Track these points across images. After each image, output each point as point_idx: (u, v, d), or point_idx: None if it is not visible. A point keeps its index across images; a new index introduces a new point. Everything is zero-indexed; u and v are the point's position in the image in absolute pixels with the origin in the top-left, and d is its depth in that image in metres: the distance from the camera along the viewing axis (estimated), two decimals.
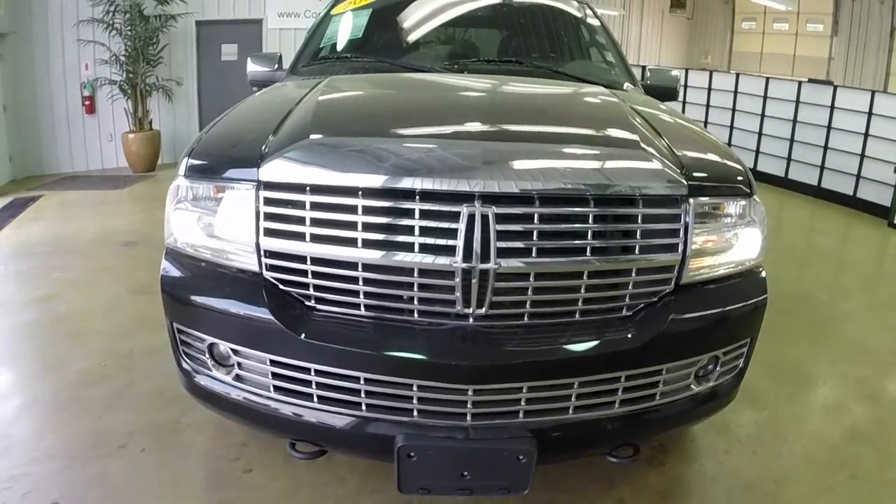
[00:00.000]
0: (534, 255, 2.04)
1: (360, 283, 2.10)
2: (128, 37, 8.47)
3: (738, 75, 9.64)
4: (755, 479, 2.77)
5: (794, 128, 8.67)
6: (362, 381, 1.97)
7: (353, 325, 2.08)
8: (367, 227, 2.06)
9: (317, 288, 2.04)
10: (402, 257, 2.04)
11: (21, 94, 8.53)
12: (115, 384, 3.26)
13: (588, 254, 2.09)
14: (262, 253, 2.04)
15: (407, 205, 2.05)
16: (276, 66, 3.90)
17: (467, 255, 1.99)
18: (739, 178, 2.24)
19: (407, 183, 2.03)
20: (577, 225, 2.09)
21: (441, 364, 2.01)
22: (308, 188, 1.99)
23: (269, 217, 2.02)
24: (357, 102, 2.76)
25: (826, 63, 12.85)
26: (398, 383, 1.94)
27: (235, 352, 2.05)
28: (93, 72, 8.82)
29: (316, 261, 2.01)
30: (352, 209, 2.07)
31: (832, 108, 8.22)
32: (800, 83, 8.73)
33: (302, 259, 2.02)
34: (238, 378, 2.11)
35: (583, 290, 2.12)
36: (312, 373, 1.98)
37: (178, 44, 9.28)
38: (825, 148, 8.34)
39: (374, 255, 2.06)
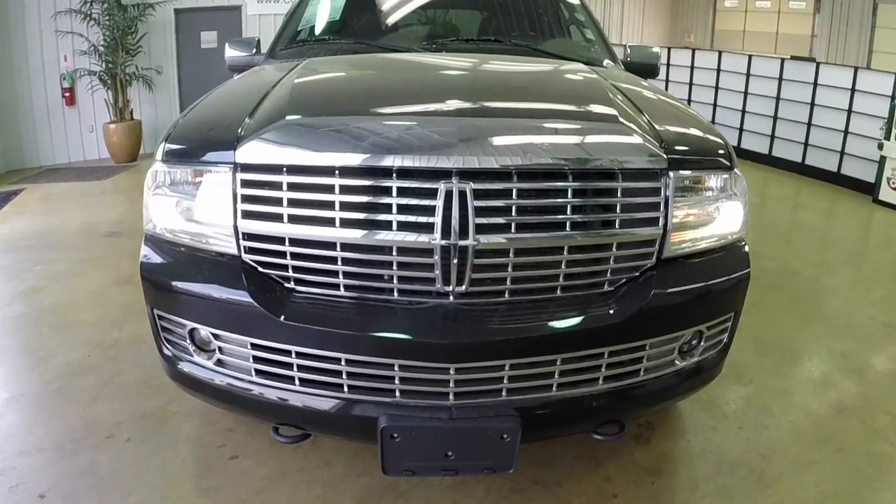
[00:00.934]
0: (513, 230, 2.03)
1: (339, 263, 2.08)
2: (106, 27, 8.36)
3: (720, 53, 9.61)
4: (742, 455, 2.77)
5: (778, 105, 8.66)
6: (343, 363, 1.94)
7: (333, 306, 2.06)
8: (345, 206, 2.04)
9: (296, 269, 2.01)
10: (380, 236, 2.03)
11: (0, 87, 8.40)
12: (101, 374, 3.25)
13: (568, 229, 2.07)
14: (241, 236, 2.02)
15: (384, 183, 2.03)
16: (255, 50, 3.88)
17: (446, 232, 1.97)
18: (720, 151, 2.23)
19: (384, 161, 2.01)
20: (556, 200, 2.07)
21: (422, 343, 2.00)
22: (285, 169, 1.96)
23: (247, 199, 2.00)
24: (333, 83, 2.73)
25: (809, 41, 12.83)
26: (379, 363, 1.92)
27: (216, 336, 2.03)
28: (72, 63, 8.70)
29: (294, 242, 1.98)
30: (329, 189, 2.05)
31: (815, 84, 8.20)
32: (782, 60, 8.70)
33: (280, 241, 1.99)
34: (220, 363, 2.09)
35: (563, 266, 2.10)
36: (293, 355, 1.96)
37: (158, 32, 9.17)
38: (809, 125, 8.32)
39: (353, 235, 2.04)
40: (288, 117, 2.08)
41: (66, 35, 8.53)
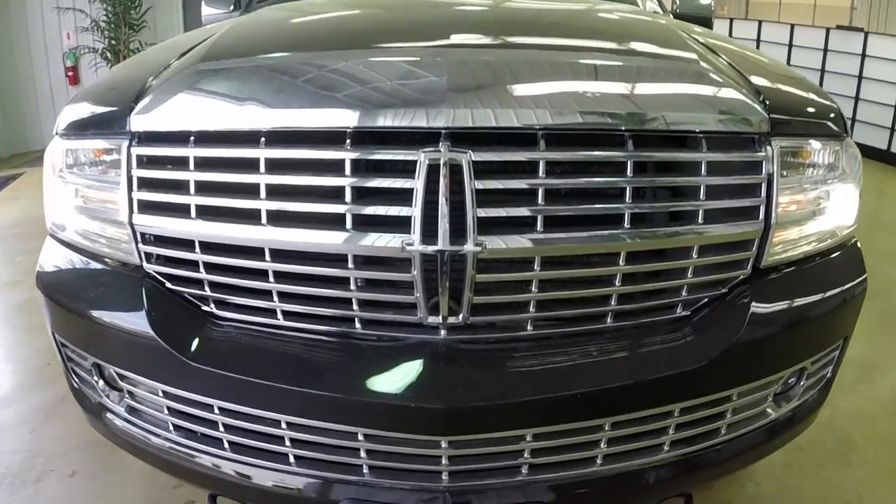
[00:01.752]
0: (539, 228, 1.20)
1: (271, 278, 1.28)
2: (108, 1, 7.65)
3: (760, 23, 8.67)
4: (825, 502, 2.16)
5: (823, 77, 7.72)
6: (284, 426, 1.31)
7: (264, 343, 1.37)
8: (274, 192, 1.27)
9: (213, 287, 1.38)
10: (327, 239, 1.22)
11: (1, 69, 7.79)
12: (58, 389, 2.78)
13: (625, 224, 1.25)
14: (138, 237, 1.43)
15: (333, 154, 1.23)
16: (232, 7, 3.13)
17: (429, 232, 1.16)
18: (831, 114, 1.53)
19: (332, 118, 1.23)
20: (608, 180, 1.26)
21: (397, 406, 1.21)
22: (192, 137, 1.34)
23: (144, 184, 1.39)
24: (281, 24, 1.91)
25: (848, 13, 11.79)
26: (336, 431, 1.29)
27: (122, 377, 1.45)
28: (75, 40, 8.01)
29: (207, 246, 1.36)
30: (252, 165, 1.29)
31: (863, 56, 7.26)
32: (828, 30, 7.77)
33: (189, 244, 1.37)
34: (132, 411, 1.51)
35: (617, 282, 1.28)
36: (216, 411, 1.36)
37: (164, 6, 8.45)
38: (856, 99, 7.41)
39: (287, 237, 1.26)
40: (200, 64, 1.49)
41: (67, 11, 7.85)
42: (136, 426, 1.48)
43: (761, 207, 1.40)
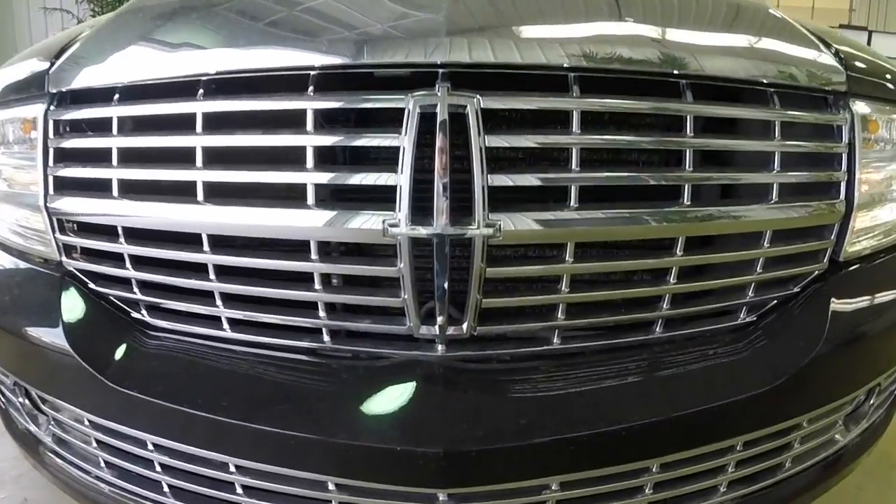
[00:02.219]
0: (572, 203, 0.84)
1: (212, 274, 0.91)
2: (94, 1, 7.31)
3: None
4: None
5: None
6: (233, 470, 0.95)
7: (206, 362, 1.01)
8: (214, 158, 0.89)
9: (144, 287, 1.03)
10: (282, 219, 0.86)
11: None
12: None
13: (685, 200, 0.89)
14: (55, 224, 1.08)
15: (292, 103, 0.85)
16: None
17: (421, 210, 0.81)
18: None
19: (287, 57, 0.88)
20: (659, 139, 0.91)
21: (379, 449, 0.84)
22: (117, 93, 1.01)
23: (61, 156, 1.07)
24: None
25: (847, 14, 11.48)
26: (299, 479, 0.93)
27: (44, 400, 1.14)
28: None
29: (133, 233, 1.01)
30: (186, 125, 0.93)
31: None
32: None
33: (113, 232, 1.02)
34: (58, 441, 1.18)
35: (672, 278, 0.92)
36: (150, 447, 1.00)
37: None
38: None
39: (229, 218, 0.89)
40: (130, 4, 1.21)
41: (53, 11, 7.53)
42: (65, 460, 1.18)
43: (842, 184, 1.05)
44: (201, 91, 0.93)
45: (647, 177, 0.87)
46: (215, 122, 0.92)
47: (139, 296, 1.04)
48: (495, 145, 0.81)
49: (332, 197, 0.89)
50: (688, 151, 0.91)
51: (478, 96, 0.81)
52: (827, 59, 1.08)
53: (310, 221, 0.84)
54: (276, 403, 0.92)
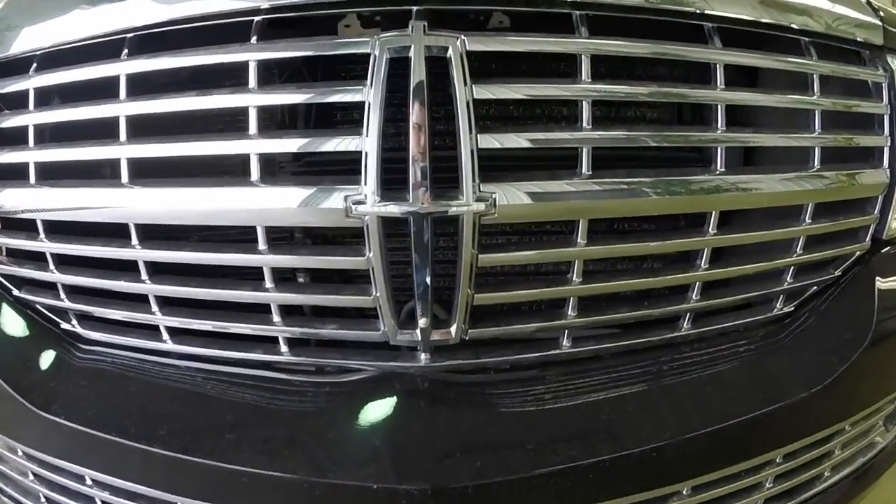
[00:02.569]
0: (584, 169, 0.64)
1: (143, 273, 0.71)
2: None
3: None
4: None
5: None
6: None
7: (145, 381, 0.82)
8: (140, 128, 0.67)
9: (72, 293, 0.83)
10: (222, 200, 0.65)
11: None
12: None
13: (718, 166, 0.69)
14: None
15: (231, 55, 0.65)
16: None
17: (392, 182, 0.61)
18: None
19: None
20: (686, 89, 0.68)
21: (351, 488, 0.63)
22: (35, 62, 0.82)
23: None
24: None
25: None
26: None
27: None
28: None
29: (55, 227, 0.81)
30: (109, 90, 0.71)
31: None
32: None
33: (31, 226, 0.82)
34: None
35: (702, 262, 0.72)
36: (89, 483, 0.81)
37: None
38: None
39: (161, 203, 0.67)
40: None
41: None
42: (5, 495, 1.00)
43: (885, 150, 0.87)
44: (126, 51, 0.73)
45: (676, 136, 0.68)
46: (142, 87, 0.73)
47: (67, 303, 0.85)
48: (485, 97, 0.61)
49: (280, 169, 0.69)
50: (718, 107, 0.72)
51: (462, 37, 0.61)
52: (861, 8, 0.90)
53: (254, 202, 0.65)
54: (223, 431, 0.72)
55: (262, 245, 0.66)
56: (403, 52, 0.60)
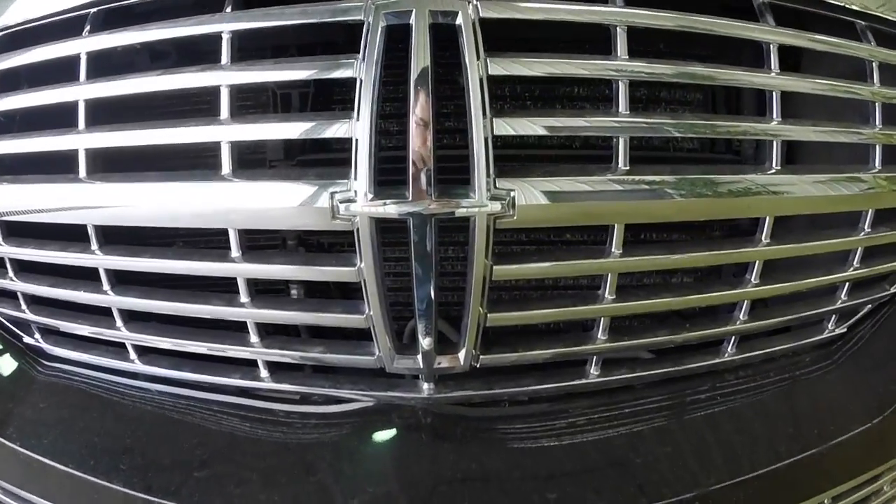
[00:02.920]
0: (621, 163, 0.51)
1: (105, 282, 0.58)
2: None
3: None
4: None
5: None
6: None
7: (107, 406, 0.68)
8: (100, 114, 0.54)
9: (35, 304, 0.70)
10: (191, 197, 0.52)
11: None
12: None
13: (773, 163, 0.55)
14: None
15: (202, 27, 0.53)
16: None
17: (388, 175, 0.47)
18: None
19: None
20: (730, 75, 0.57)
21: None
22: None
23: None
24: None
25: None
26: None
27: None
28: None
29: (12, 229, 0.67)
30: (67, 70, 0.60)
31: None
32: None
33: None
34: None
35: (753, 276, 0.58)
36: None
37: None
38: None
39: (120, 199, 0.54)
40: None
41: None
42: None
43: None
44: (88, 26, 0.62)
45: (728, 126, 0.55)
46: (104, 67, 0.61)
47: (28, 314, 0.72)
48: (501, 74, 0.48)
49: (257, 160, 0.57)
50: (774, 95, 0.59)
51: (474, 0, 0.49)
52: None
53: (224, 200, 0.52)
54: (192, 468, 0.60)
55: (234, 252, 0.54)
56: (403, 19, 0.48)
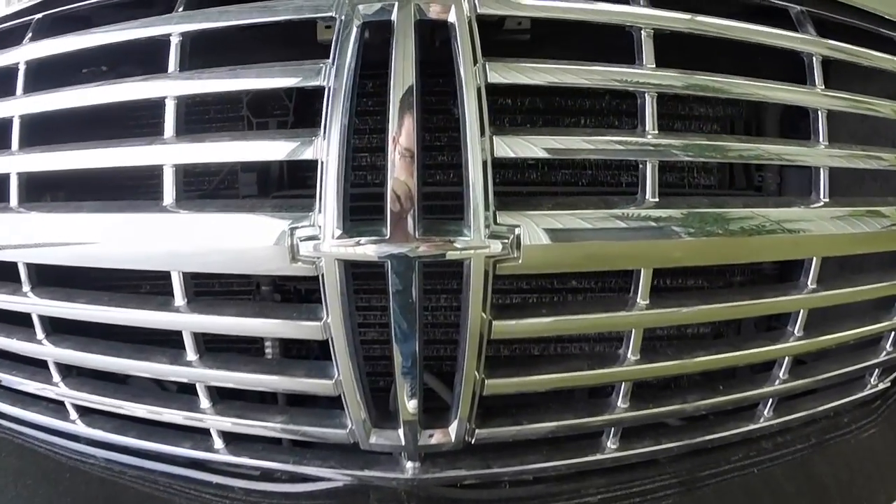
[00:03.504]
0: (648, 194, 0.39)
1: (38, 328, 0.45)
2: None
3: None
4: None
5: None
6: None
7: (43, 474, 0.54)
8: (36, 134, 0.42)
9: None
10: (130, 232, 0.40)
11: None
12: None
13: (821, 195, 0.43)
14: None
15: (150, 29, 0.41)
16: None
17: (364, 207, 0.35)
18: None
19: None
20: (768, 91, 0.46)
21: None
22: None
23: None
24: None
25: None
26: None
27: None
28: None
29: None
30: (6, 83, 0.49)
31: None
32: None
33: None
34: None
35: (797, 327, 0.46)
36: None
37: None
38: None
39: (52, 235, 0.41)
40: None
41: None
42: None
43: None
44: (30, 33, 0.51)
45: (778, 151, 0.43)
46: (40, 72, 0.50)
47: None
48: (501, 83, 0.37)
49: (208, 186, 0.45)
50: (820, 114, 0.48)
51: None
52: None
53: (165, 236, 0.40)
54: None
55: (178, 300, 0.41)
56: (383, 15, 0.36)
